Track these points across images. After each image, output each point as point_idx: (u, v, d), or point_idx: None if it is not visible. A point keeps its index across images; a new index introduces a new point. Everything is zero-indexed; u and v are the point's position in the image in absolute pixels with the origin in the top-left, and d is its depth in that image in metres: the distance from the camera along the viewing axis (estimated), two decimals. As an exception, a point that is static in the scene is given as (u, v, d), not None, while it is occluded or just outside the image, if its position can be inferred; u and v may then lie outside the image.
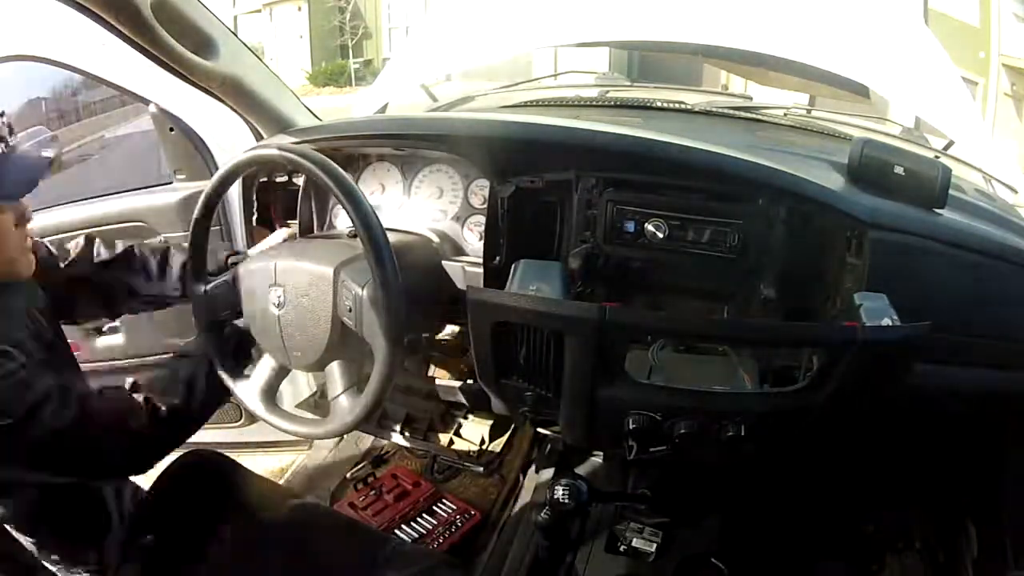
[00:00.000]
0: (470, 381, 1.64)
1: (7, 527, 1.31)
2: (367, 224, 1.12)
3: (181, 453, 1.46)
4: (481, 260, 1.42)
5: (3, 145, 1.16)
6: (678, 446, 1.14)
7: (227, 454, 1.54)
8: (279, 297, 1.24)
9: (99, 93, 5.66)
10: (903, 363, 1.10)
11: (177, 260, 1.51)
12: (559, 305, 1.10)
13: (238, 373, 1.34)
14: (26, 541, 1.33)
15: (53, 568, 1.37)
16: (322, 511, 1.54)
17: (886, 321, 1.05)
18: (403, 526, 1.98)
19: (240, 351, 1.38)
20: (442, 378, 1.72)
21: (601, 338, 1.07)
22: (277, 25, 21.59)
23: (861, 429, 1.25)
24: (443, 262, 1.46)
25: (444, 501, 2.06)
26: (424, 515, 2.02)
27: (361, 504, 2.06)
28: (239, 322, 1.34)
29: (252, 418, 1.69)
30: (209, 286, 1.35)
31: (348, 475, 2.20)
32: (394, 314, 1.13)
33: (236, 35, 1.68)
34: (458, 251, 1.52)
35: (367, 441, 2.32)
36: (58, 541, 1.36)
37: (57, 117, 5.55)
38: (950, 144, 1.78)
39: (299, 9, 20.90)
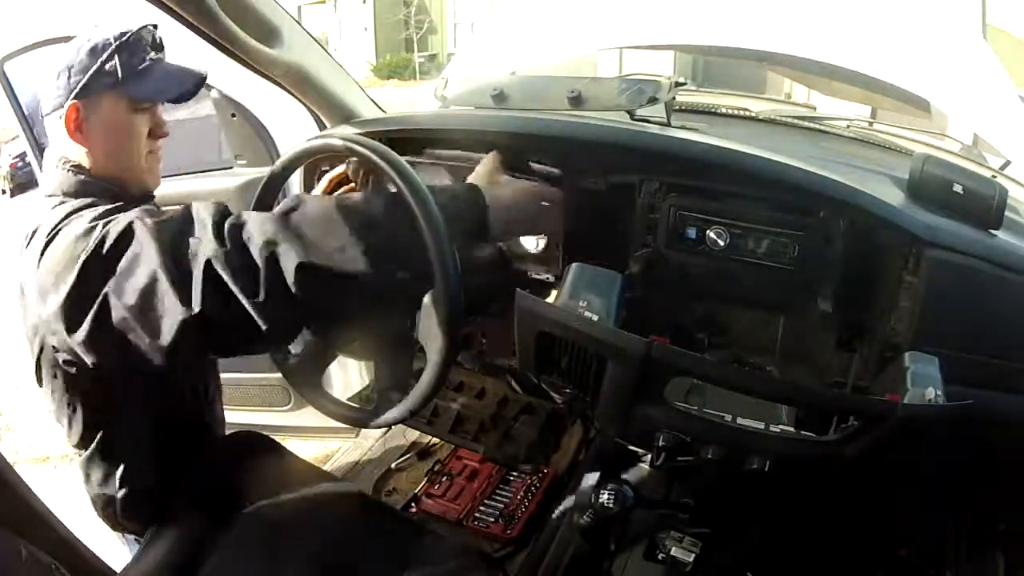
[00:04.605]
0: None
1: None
2: (433, 225, 1.08)
3: (230, 432, 1.48)
4: (541, 261, 1.42)
5: (154, 54, 1.24)
6: (703, 466, 1.15)
7: (273, 437, 1.56)
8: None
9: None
10: (939, 438, 1.08)
11: None
12: (605, 332, 1.09)
13: (285, 353, 1.35)
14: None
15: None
16: (363, 500, 1.53)
17: (930, 391, 1.02)
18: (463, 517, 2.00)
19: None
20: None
21: (644, 369, 1.06)
22: (341, 16, 21.91)
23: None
24: (504, 262, 1.45)
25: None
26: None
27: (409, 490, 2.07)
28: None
29: (300, 403, 1.70)
30: None
31: (393, 466, 2.21)
32: (451, 323, 1.10)
33: (300, 24, 1.69)
34: (518, 251, 1.50)
35: (414, 433, 2.33)
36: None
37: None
38: (1007, 164, 1.74)
39: (364, 2, 21.15)
